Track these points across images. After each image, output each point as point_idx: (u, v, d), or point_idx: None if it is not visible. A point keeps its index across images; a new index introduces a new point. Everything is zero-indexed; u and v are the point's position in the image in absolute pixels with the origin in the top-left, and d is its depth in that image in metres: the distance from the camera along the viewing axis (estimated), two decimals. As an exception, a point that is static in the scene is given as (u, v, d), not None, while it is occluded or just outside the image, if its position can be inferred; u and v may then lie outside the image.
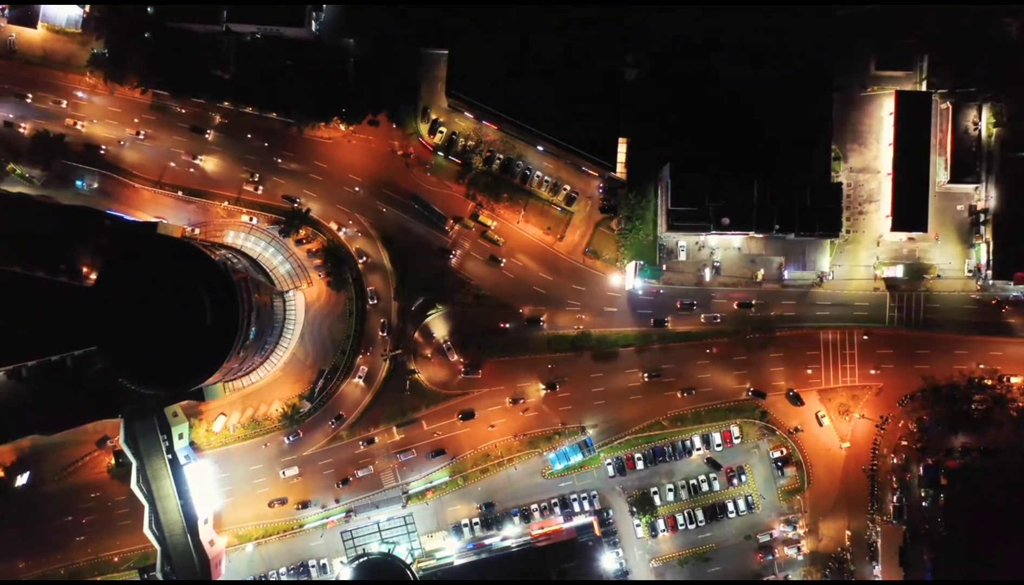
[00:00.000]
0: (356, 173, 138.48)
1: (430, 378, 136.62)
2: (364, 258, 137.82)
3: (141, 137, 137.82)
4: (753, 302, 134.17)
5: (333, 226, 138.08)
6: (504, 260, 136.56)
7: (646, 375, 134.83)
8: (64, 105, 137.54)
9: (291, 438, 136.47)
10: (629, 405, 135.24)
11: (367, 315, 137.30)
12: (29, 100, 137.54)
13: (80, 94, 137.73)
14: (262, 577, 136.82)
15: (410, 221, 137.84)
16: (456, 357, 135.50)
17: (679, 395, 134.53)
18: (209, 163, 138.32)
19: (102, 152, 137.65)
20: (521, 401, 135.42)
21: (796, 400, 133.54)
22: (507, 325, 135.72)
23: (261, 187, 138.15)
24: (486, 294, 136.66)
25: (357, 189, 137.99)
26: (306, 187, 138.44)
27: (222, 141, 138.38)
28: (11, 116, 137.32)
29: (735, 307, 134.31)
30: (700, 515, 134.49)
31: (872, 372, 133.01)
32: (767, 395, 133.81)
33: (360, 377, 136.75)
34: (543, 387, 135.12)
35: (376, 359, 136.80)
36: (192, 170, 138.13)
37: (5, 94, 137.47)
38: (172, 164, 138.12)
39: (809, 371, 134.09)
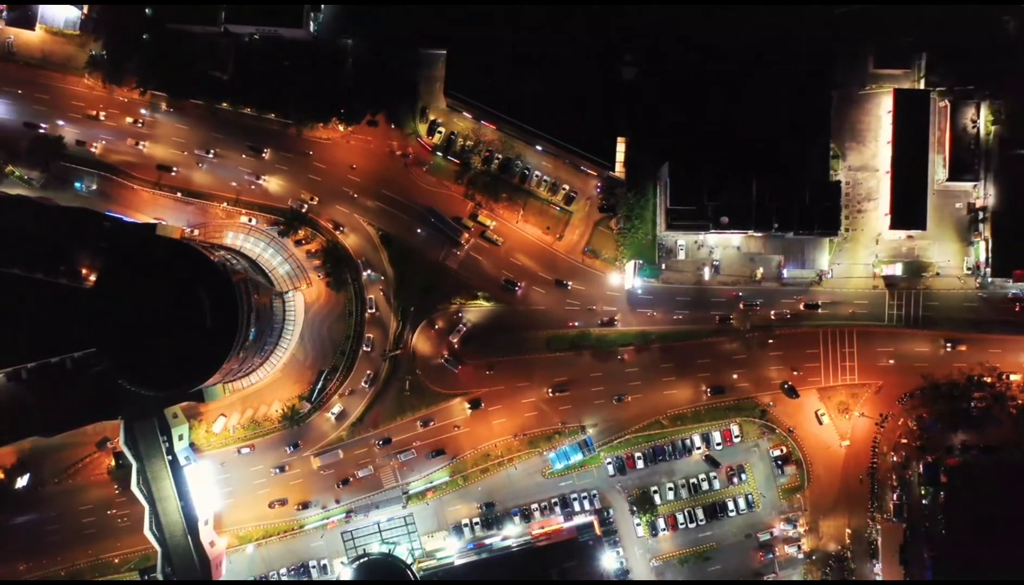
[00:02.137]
0: (355, 174, 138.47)
1: (421, 349, 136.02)
2: (373, 309, 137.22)
3: (211, 155, 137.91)
4: (820, 303, 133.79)
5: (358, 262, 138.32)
6: (570, 284, 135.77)
7: (550, 390, 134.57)
8: (140, 125, 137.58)
9: (243, 450, 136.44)
10: (628, 404, 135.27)
11: (358, 358, 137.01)
12: (103, 117, 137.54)
13: (144, 111, 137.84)
14: (263, 578, 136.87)
15: (410, 222, 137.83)
16: (456, 340, 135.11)
17: (614, 402, 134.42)
18: (272, 183, 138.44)
19: (173, 173, 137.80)
20: (432, 423, 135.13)
21: (792, 392, 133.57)
22: (575, 324, 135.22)
23: (306, 206, 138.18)
24: (485, 295, 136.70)
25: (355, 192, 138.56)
26: (351, 209, 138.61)
27: (279, 160, 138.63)
28: (105, 140, 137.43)
29: (802, 308, 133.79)
30: (700, 514, 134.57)
31: (794, 373, 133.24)
32: (725, 390, 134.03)
33: (333, 413, 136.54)
34: (468, 406, 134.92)
35: (352, 402, 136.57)
36: (253, 187, 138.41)
37: (77, 114, 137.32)
38: (233, 183, 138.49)
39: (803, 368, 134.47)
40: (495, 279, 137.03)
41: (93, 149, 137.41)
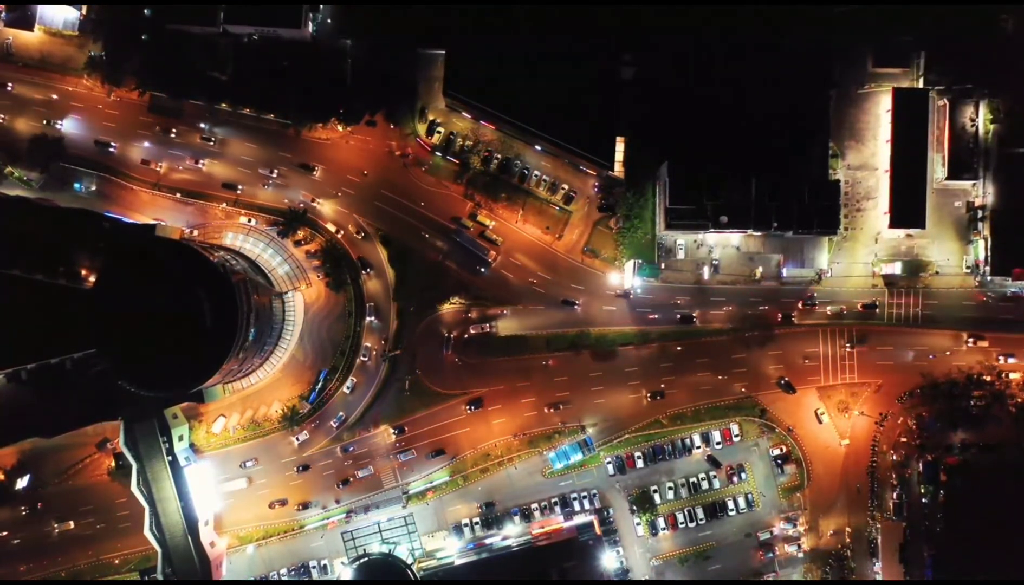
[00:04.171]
0: (354, 174, 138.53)
1: (446, 316, 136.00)
2: (366, 358, 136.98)
3: (275, 174, 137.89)
4: (876, 303, 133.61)
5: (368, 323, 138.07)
6: (631, 294, 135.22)
7: (468, 407, 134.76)
8: (212, 142, 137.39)
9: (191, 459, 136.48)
10: (628, 403, 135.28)
11: (336, 394, 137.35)
12: (173, 134, 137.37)
13: (218, 130, 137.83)
14: (263, 578, 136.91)
15: (410, 222, 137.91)
16: (473, 331, 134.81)
17: (547, 410, 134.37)
18: (326, 207, 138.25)
19: (239, 191, 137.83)
20: (352, 449, 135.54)
21: (788, 388, 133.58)
22: (655, 316, 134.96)
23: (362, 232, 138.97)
24: (485, 295, 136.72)
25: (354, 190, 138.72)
26: (350, 209, 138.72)
27: (326, 178, 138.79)
28: (174, 162, 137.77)
29: (860, 308, 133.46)
30: (700, 513, 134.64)
31: (734, 384, 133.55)
32: (666, 395, 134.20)
33: (298, 439, 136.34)
34: (393, 431, 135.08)
35: (317, 435, 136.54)
36: (302, 206, 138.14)
37: (147, 129, 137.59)
38: (286, 200, 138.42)
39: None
40: (497, 279, 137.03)
41: (158, 169, 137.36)
